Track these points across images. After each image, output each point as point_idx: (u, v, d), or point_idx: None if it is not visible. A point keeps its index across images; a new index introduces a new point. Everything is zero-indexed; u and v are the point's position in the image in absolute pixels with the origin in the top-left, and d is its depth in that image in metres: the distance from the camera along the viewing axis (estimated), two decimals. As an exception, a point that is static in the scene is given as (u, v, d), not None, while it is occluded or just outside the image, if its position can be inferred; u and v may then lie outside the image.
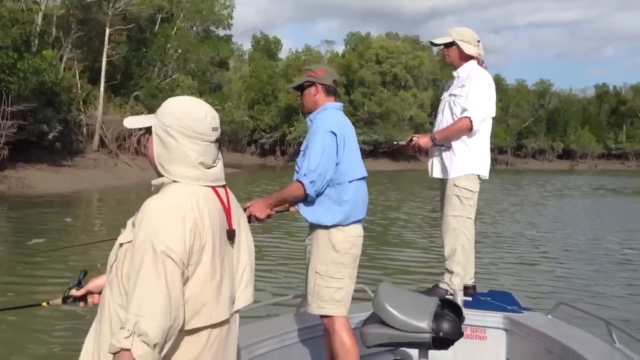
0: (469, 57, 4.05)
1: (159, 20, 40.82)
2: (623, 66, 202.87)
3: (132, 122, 1.89)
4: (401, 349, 3.51)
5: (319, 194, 2.97)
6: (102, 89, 33.28)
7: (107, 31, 33.29)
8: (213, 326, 1.76)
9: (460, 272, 3.93)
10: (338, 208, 2.98)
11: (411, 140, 4.07)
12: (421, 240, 13.93)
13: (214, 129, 1.80)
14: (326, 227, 2.99)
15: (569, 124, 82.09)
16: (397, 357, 3.53)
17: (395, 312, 2.73)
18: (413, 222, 17.38)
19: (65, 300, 2.03)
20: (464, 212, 3.93)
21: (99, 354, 1.71)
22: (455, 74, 4.10)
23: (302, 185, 2.93)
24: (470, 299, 3.91)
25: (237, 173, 40.00)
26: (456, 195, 3.93)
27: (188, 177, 1.76)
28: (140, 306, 1.58)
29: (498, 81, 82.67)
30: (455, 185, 3.94)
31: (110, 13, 33.11)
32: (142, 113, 35.18)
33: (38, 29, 30.43)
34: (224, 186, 1.88)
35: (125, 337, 1.56)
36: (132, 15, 35.56)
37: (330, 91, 3.16)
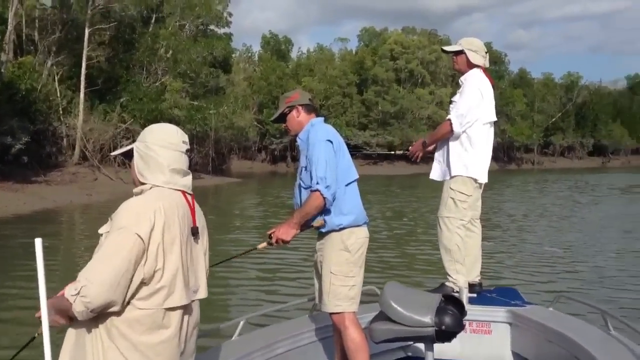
0: (475, 66, 4.24)
1: (153, 21, 37.85)
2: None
3: (118, 150, 2.37)
4: (412, 345, 3.79)
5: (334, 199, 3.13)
6: (82, 95, 30.23)
7: (87, 31, 30.30)
8: (184, 308, 2.09)
9: (462, 270, 4.10)
10: (344, 211, 3.19)
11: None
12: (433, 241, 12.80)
13: (184, 142, 2.20)
14: (338, 230, 3.20)
15: (600, 118, 77.01)
16: (409, 353, 3.85)
17: (399, 309, 2.86)
18: (425, 223, 16.74)
19: None
20: (457, 214, 4.09)
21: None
22: (460, 81, 4.29)
23: (320, 193, 3.07)
24: (476, 295, 4.05)
25: (245, 182, 35.96)
26: (451, 198, 4.11)
27: (162, 181, 2.13)
28: (92, 273, 1.89)
29: (523, 76, 78.22)
30: (451, 188, 4.13)
31: (89, 11, 30.13)
32: (128, 121, 32.13)
33: (7, 32, 27.51)
34: (192, 195, 2.23)
35: (72, 295, 1.88)
36: (116, 13, 32.58)
37: (310, 109, 3.34)
